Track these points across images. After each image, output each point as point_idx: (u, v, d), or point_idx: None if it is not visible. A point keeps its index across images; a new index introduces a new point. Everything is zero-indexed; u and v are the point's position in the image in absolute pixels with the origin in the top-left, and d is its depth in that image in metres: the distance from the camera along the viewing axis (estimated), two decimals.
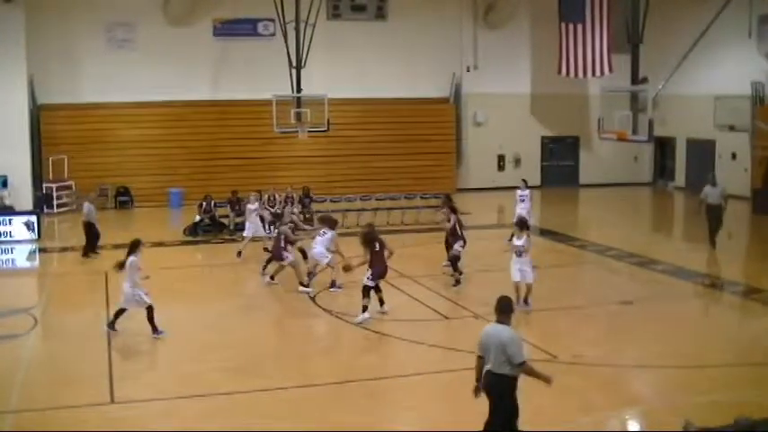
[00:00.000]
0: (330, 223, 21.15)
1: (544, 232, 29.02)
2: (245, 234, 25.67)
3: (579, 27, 36.68)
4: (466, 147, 40.91)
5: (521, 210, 26.66)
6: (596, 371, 14.94)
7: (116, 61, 35.57)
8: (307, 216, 30.18)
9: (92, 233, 25.58)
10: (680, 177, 41.40)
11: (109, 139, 35.73)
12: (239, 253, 24.76)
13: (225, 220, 29.37)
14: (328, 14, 37.56)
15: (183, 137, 36.23)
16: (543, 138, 42.56)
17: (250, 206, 25.66)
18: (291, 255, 21.26)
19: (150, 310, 16.77)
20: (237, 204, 29.30)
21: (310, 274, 20.97)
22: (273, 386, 14.24)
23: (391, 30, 38.95)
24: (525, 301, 18.62)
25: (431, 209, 30.70)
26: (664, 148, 42.57)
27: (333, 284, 20.77)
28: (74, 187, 34.67)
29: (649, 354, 15.59)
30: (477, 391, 10.73)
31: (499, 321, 10.55)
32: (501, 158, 41.83)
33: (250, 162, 36.48)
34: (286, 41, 31.91)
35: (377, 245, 18.19)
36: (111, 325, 17.09)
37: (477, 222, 30.91)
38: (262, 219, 28.61)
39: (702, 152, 39.42)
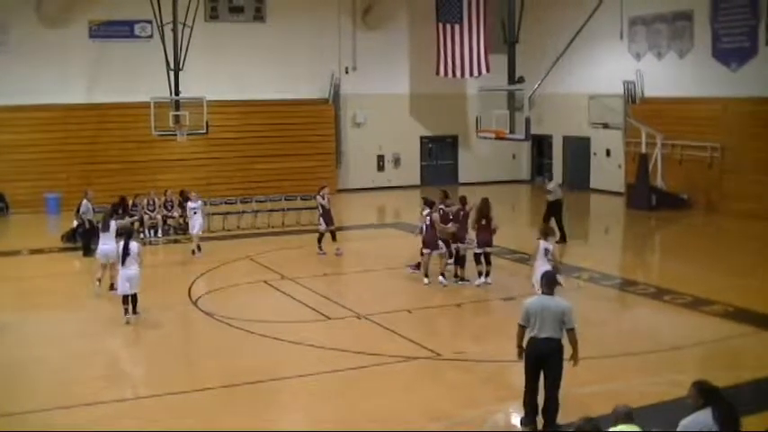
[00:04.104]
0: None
1: None
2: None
3: (456, 28, 37.06)
4: (345, 147, 40.89)
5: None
6: (480, 366, 15.08)
7: None
8: (186, 220, 29.74)
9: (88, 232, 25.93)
10: (557, 174, 42.15)
11: None
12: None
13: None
14: (206, 16, 37.06)
15: (60, 141, 35.01)
16: (422, 137, 42.85)
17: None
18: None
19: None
20: (123, 209, 28.08)
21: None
22: (159, 392, 13.93)
23: (270, 31, 38.64)
24: None
25: (311, 210, 30.59)
26: (541, 145, 43.35)
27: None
28: None
29: None
30: (520, 355, 12.13)
31: (548, 293, 12.05)
32: (380, 159, 41.98)
33: (130, 166, 35.58)
34: (164, 43, 31.33)
35: (484, 220, 20.75)
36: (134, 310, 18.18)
37: (357, 222, 30.96)
38: (141, 222, 28.14)
39: (578, 149, 40.38)
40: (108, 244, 20.34)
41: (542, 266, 17.25)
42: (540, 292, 12.75)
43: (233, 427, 12.46)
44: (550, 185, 27.58)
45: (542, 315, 11.77)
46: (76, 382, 14.37)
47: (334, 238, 25.30)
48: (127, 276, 17.92)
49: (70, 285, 22.71)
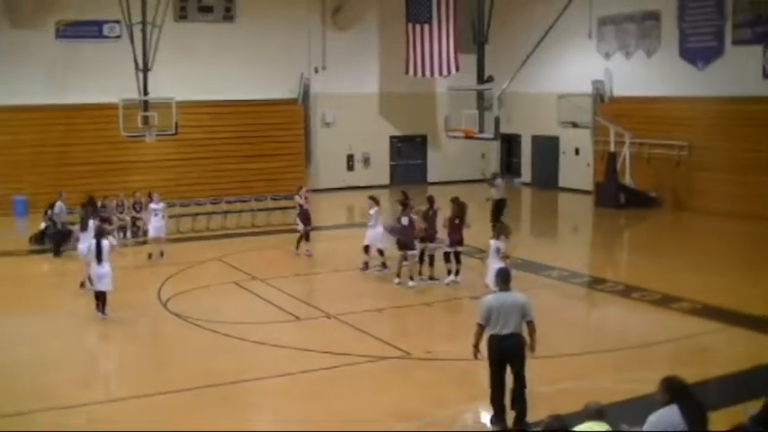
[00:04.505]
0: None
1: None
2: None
3: (426, 27, 37.06)
4: (315, 147, 40.83)
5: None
6: (450, 365, 15.11)
7: None
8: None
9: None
10: (526, 173, 42.38)
11: None
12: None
13: (73, 228, 28.29)
14: (175, 16, 36.83)
15: (28, 142, 34.60)
16: (392, 137, 42.85)
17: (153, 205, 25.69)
18: None
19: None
20: (94, 210, 27.55)
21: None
22: (132, 394, 13.90)
23: (239, 31, 38.46)
24: None
25: (281, 210, 30.58)
26: (510, 144, 43.46)
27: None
28: None
29: None
30: (476, 355, 12.17)
31: (505, 289, 12.09)
32: (350, 158, 41.93)
33: (100, 167, 35.15)
34: (132, 44, 31.03)
35: (457, 220, 21.10)
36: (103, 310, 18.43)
37: (327, 222, 30.91)
38: (110, 223, 27.85)
39: (547, 148, 40.50)
40: (87, 242, 20.39)
41: (495, 265, 17.49)
42: (495, 289, 12.80)
43: (205, 428, 12.43)
44: (497, 181, 28.52)
45: (504, 311, 11.84)
46: (48, 385, 14.28)
47: (307, 238, 25.22)
48: (99, 274, 18.40)
49: (40, 287, 22.57)
